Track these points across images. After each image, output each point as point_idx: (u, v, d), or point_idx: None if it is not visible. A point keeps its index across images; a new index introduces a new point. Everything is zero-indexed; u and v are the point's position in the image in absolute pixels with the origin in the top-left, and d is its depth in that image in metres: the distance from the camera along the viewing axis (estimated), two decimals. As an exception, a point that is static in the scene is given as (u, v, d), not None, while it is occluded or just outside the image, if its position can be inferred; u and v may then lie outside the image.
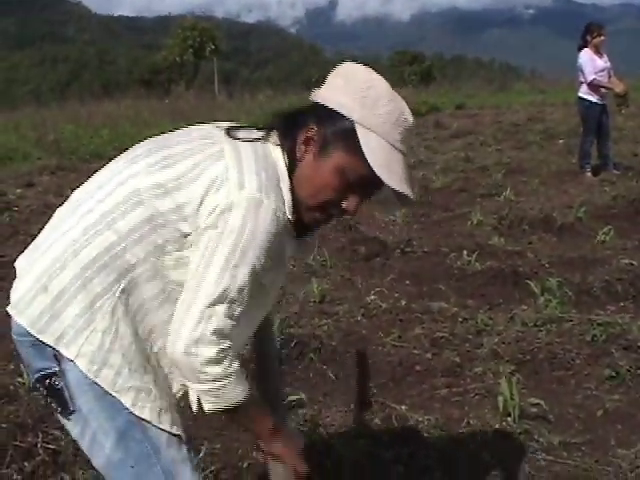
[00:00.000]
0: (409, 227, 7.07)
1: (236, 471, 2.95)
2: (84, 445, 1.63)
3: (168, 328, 1.56)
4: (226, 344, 1.53)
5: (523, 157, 11.15)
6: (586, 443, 3.12)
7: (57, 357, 1.55)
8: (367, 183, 1.58)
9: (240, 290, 1.51)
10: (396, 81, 32.87)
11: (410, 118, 1.61)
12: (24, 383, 3.64)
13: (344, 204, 1.62)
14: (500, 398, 3.32)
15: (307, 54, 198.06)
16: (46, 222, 1.67)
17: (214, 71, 46.00)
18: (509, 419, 3.28)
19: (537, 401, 3.38)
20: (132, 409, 1.57)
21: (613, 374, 3.69)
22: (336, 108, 1.56)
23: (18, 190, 9.58)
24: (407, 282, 5.39)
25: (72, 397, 1.57)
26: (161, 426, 1.61)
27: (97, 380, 1.55)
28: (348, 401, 3.57)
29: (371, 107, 1.55)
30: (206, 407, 1.59)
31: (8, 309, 1.60)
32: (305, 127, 1.61)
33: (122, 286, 1.54)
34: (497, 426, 3.26)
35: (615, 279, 5.00)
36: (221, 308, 1.50)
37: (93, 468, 2.79)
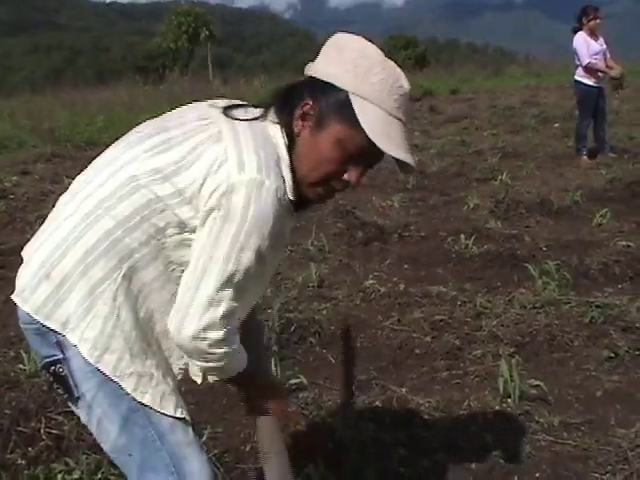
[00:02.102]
0: (406, 211, 7.07)
1: (238, 455, 2.97)
2: (92, 430, 1.65)
3: (169, 309, 1.58)
4: (232, 324, 1.57)
5: (518, 141, 11.14)
6: (586, 423, 3.13)
7: (60, 344, 1.55)
8: (367, 153, 1.55)
9: (246, 272, 1.52)
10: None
11: (406, 84, 1.56)
12: (25, 370, 3.65)
13: (346, 176, 1.59)
14: (500, 380, 3.34)
15: (301, 40, 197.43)
16: (43, 209, 1.68)
17: (208, 57, 45.77)
18: (509, 400, 3.30)
19: (537, 382, 3.39)
20: (133, 394, 1.57)
21: (612, 355, 3.71)
22: (329, 80, 1.53)
23: (14, 178, 9.53)
24: (405, 266, 5.41)
25: (76, 384, 1.58)
26: (163, 411, 1.61)
27: (99, 366, 1.54)
28: (348, 384, 3.59)
29: (364, 76, 1.51)
30: (211, 379, 1.71)
31: (13, 297, 1.60)
32: (301, 102, 1.57)
33: (123, 271, 1.54)
34: (497, 408, 3.28)
35: (612, 261, 5.03)
36: (229, 292, 1.52)
37: (96, 453, 2.83)
